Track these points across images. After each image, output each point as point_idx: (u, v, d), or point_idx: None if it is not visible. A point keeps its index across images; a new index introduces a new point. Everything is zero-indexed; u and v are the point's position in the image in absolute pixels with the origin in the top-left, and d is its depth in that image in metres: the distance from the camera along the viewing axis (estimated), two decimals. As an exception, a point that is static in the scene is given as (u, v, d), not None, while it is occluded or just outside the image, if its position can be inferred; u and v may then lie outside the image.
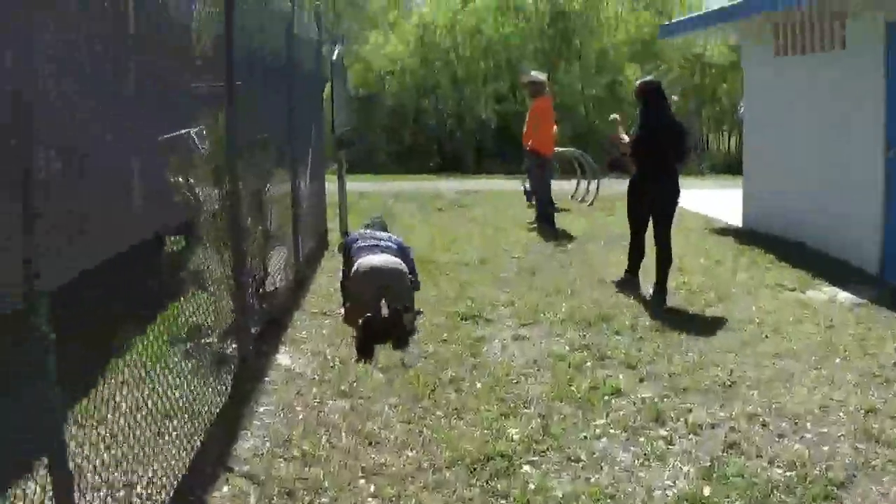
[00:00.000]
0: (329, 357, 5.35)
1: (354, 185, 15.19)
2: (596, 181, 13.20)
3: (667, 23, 15.57)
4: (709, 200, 12.82)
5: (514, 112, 22.58)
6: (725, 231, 10.47)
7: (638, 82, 7.23)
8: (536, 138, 10.56)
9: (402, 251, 6.53)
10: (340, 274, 6.77)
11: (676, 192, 6.93)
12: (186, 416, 4.08)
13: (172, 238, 6.47)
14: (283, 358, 5.39)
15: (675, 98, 22.70)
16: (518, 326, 6.10)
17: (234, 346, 5.18)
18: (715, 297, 6.90)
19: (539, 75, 11.37)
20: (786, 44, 9.45)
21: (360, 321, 5.74)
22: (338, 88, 10.50)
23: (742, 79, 22.91)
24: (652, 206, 6.95)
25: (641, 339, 5.75)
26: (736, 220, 11.05)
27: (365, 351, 5.47)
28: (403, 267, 6.22)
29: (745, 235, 9.97)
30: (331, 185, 10.40)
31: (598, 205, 12.82)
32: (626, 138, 7.10)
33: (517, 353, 5.45)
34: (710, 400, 4.61)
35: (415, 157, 22.34)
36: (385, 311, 6.01)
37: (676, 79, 23.04)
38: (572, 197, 13.43)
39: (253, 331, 5.65)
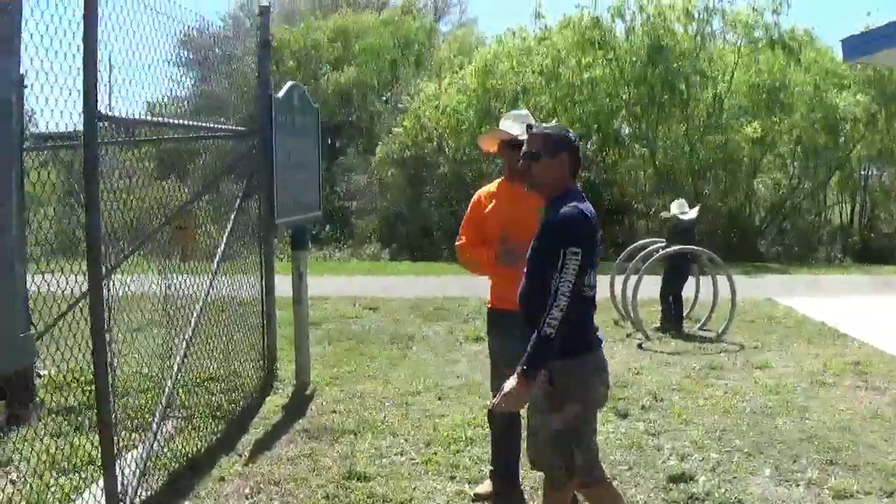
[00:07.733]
0: None
1: (371, 282, 10.55)
2: (731, 287, 7.91)
3: (858, 33, 9.33)
4: (882, 325, 8.12)
5: (603, 179, 17.80)
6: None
7: None
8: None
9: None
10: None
11: None
12: None
13: None
14: None
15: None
16: None
17: None
18: None
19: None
20: None
21: None
22: (288, 145, 5.89)
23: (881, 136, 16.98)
24: None
25: None
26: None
27: None
28: None
29: None
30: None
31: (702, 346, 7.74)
32: None
33: None
34: None
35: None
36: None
37: (798, 137, 17.85)
38: (695, 323, 8.38)
39: None
